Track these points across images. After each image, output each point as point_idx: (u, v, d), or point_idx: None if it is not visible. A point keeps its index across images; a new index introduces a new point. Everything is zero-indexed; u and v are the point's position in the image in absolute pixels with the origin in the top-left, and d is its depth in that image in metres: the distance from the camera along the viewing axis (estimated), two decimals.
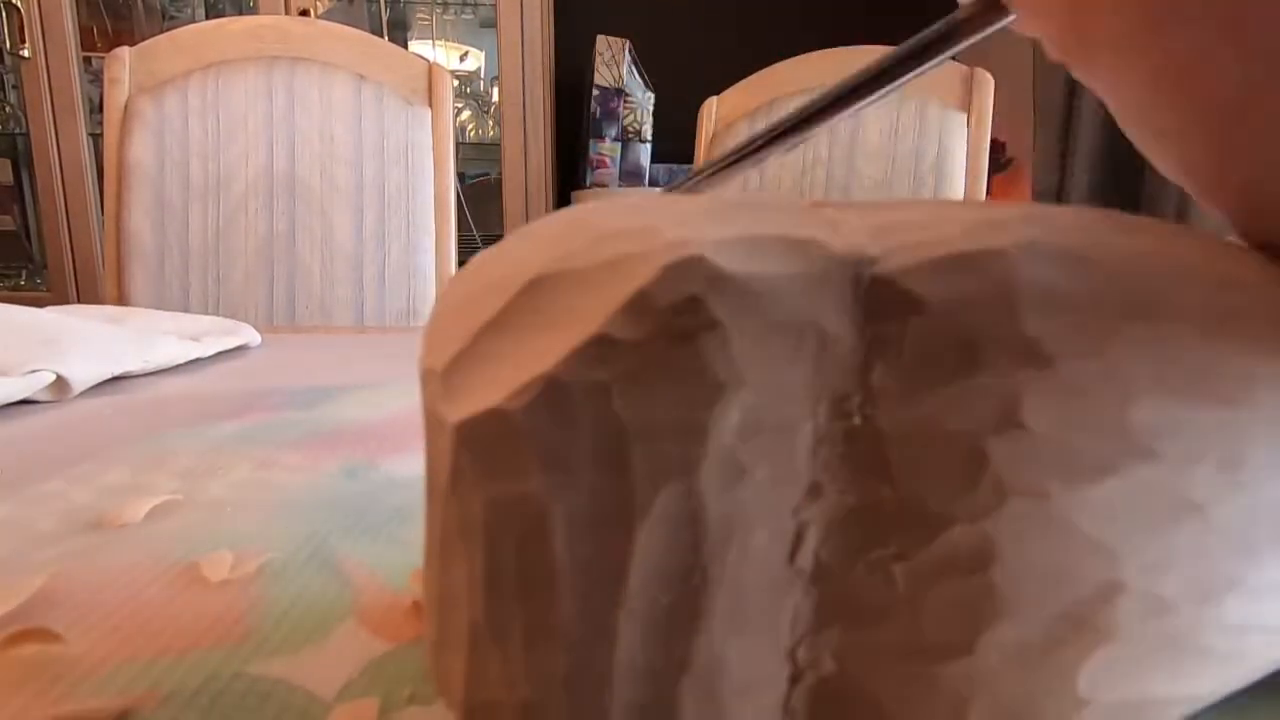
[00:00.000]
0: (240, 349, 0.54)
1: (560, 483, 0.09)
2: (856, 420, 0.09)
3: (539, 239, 0.10)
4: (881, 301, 0.09)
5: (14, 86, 1.64)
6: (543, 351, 0.09)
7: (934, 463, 0.09)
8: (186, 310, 0.85)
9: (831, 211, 0.10)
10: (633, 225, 0.09)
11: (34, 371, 0.37)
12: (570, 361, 0.09)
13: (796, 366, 0.09)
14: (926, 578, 0.10)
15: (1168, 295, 0.10)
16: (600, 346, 0.09)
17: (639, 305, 0.09)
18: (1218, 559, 0.11)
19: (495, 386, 0.09)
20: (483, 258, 0.11)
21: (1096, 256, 0.10)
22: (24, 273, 1.74)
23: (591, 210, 0.10)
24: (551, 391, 0.09)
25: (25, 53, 1.47)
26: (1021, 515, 0.10)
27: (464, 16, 1.84)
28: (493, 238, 1.71)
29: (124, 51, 0.86)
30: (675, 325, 0.09)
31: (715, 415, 0.09)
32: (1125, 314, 0.10)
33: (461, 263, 0.95)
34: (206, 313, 0.85)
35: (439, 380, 0.09)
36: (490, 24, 1.69)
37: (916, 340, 0.09)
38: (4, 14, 1.44)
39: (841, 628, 0.10)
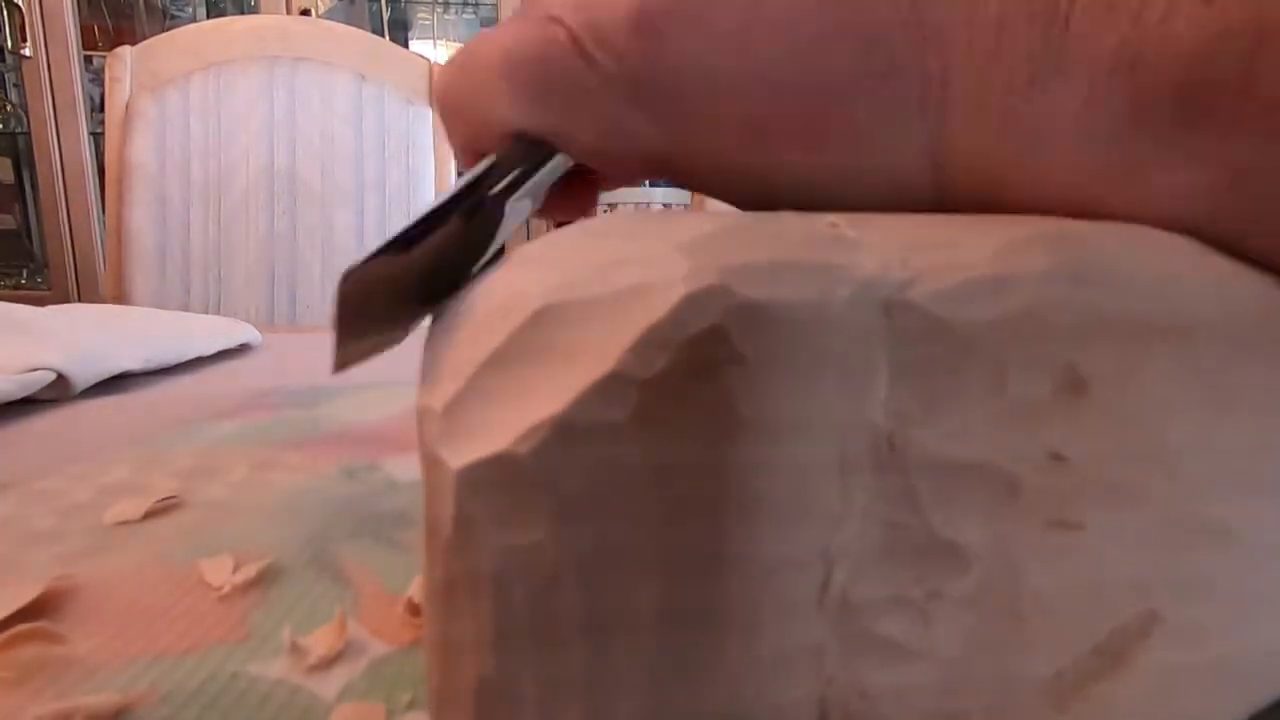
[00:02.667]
0: (241, 348, 0.54)
1: (573, 530, 0.08)
2: (885, 451, 0.09)
3: (540, 264, 0.09)
4: (910, 327, 0.09)
5: (15, 85, 1.64)
6: (551, 390, 0.08)
7: (965, 494, 0.09)
8: (187, 309, 0.85)
9: (851, 231, 0.10)
10: (644, 250, 0.09)
11: (35, 370, 0.37)
12: (582, 401, 0.08)
13: (822, 398, 0.09)
14: (958, 614, 0.09)
15: (1201, 313, 0.10)
16: (614, 385, 0.08)
17: (656, 339, 0.08)
18: (1249, 581, 0.10)
19: (501, 428, 0.08)
20: (479, 284, 0.10)
21: (1130, 276, 0.10)
22: (25, 271, 1.74)
23: (595, 231, 0.10)
24: (562, 434, 0.08)
25: (26, 51, 1.46)
26: (1055, 547, 0.09)
27: (465, 16, 1.84)
28: None
29: (125, 51, 0.86)
30: (696, 359, 0.08)
31: (737, 453, 0.08)
32: (1160, 335, 0.09)
33: None
34: (207, 312, 0.85)
35: (438, 420, 0.09)
36: (491, 23, 1.70)
37: (947, 367, 0.09)
38: (5, 12, 1.44)
39: (870, 667, 0.09)
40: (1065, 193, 0.12)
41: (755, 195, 0.15)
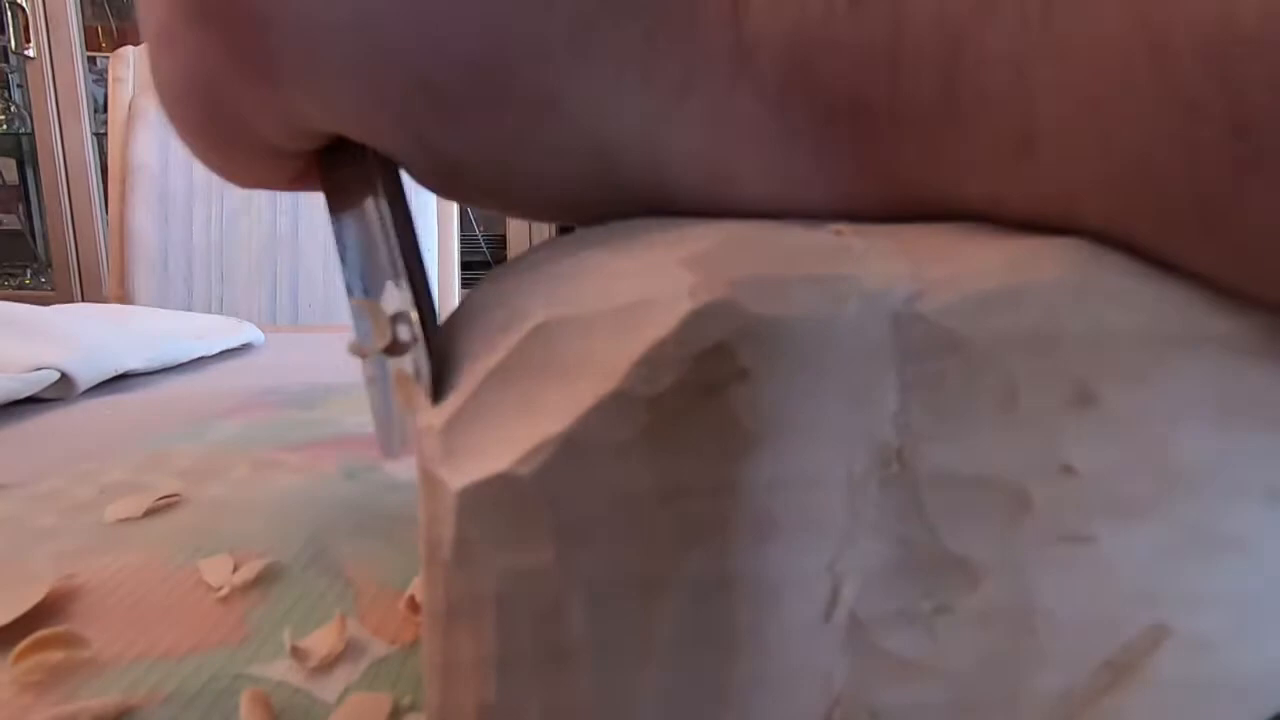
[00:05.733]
0: (243, 348, 0.54)
1: (578, 552, 0.08)
2: (894, 467, 0.09)
3: (539, 277, 0.09)
4: (919, 340, 0.09)
5: (19, 86, 1.64)
6: (554, 407, 0.08)
7: (974, 508, 0.09)
8: (190, 309, 0.85)
9: (857, 241, 0.09)
10: (647, 262, 0.09)
11: (38, 369, 0.37)
12: (586, 420, 0.08)
13: (830, 413, 0.08)
14: (968, 629, 0.09)
15: (1211, 325, 0.10)
16: (619, 402, 0.08)
17: (662, 355, 0.08)
18: (1259, 593, 0.10)
19: (502, 447, 0.08)
20: (477, 297, 0.10)
21: (1138, 287, 0.09)
22: (29, 271, 1.74)
23: (596, 241, 0.10)
24: (566, 453, 0.08)
25: (30, 52, 1.47)
26: (1066, 561, 0.09)
27: None
28: (495, 237, 1.71)
29: (128, 51, 0.86)
30: (702, 376, 0.08)
31: (745, 471, 0.08)
32: (1170, 345, 0.09)
33: (464, 263, 0.95)
34: (210, 311, 0.85)
35: (437, 438, 0.09)
36: None
37: (956, 380, 0.09)
38: (9, 14, 1.45)
39: (879, 686, 0.09)
40: (752, 198, 0.12)
41: (437, 169, 0.13)
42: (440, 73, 0.11)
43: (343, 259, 0.13)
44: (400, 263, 0.12)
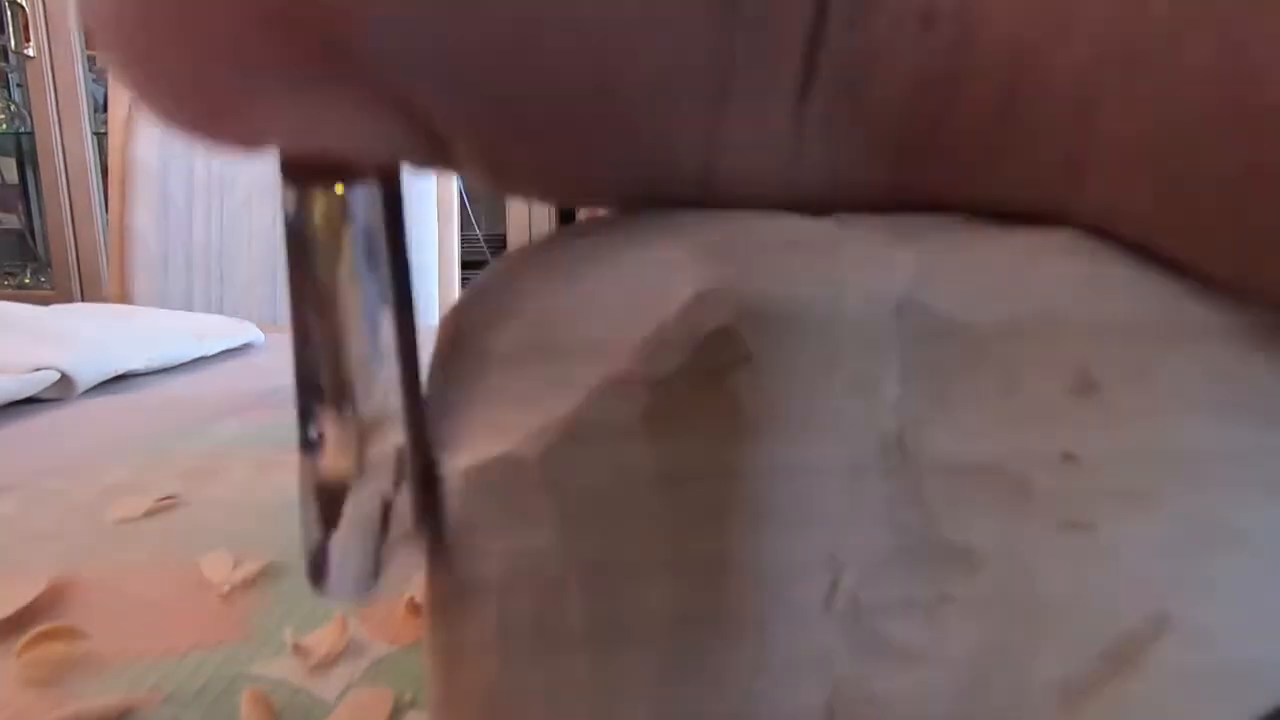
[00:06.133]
0: (244, 348, 0.54)
1: (578, 534, 0.08)
2: (895, 454, 0.09)
3: (545, 263, 0.09)
4: (922, 328, 0.09)
5: (19, 85, 1.64)
6: (558, 390, 0.08)
7: (975, 496, 0.09)
8: (190, 309, 0.85)
9: (861, 230, 0.09)
10: (652, 249, 0.09)
11: (38, 370, 0.37)
12: (590, 402, 0.08)
13: (832, 399, 0.08)
14: (968, 617, 0.09)
15: (1214, 315, 0.10)
16: (623, 385, 0.08)
17: (666, 338, 0.08)
18: (1261, 583, 0.10)
19: (505, 429, 0.08)
20: (484, 283, 0.10)
21: (1142, 278, 0.09)
22: (28, 271, 1.74)
23: (600, 230, 0.10)
24: (569, 436, 0.08)
25: (30, 51, 1.47)
26: (1067, 549, 0.09)
27: None
28: (495, 236, 1.71)
29: None
30: (705, 360, 0.08)
31: (747, 456, 0.08)
32: (1172, 337, 0.09)
33: (464, 262, 0.95)
34: (210, 311, 0.85)
35: (443, 420, 0.09)
36: None
37: (958, 368, 0.09)
38: (9, 13, 1.45)
39: (879, 673, 0.09)
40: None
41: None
42: (535, 91, 0.09)
43: (303, 344, 0.09)
44: (395, 369, 0.09)
